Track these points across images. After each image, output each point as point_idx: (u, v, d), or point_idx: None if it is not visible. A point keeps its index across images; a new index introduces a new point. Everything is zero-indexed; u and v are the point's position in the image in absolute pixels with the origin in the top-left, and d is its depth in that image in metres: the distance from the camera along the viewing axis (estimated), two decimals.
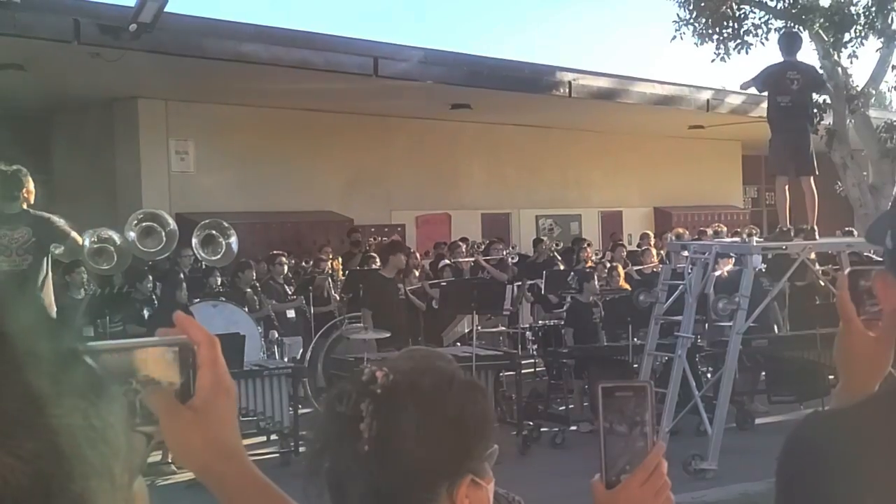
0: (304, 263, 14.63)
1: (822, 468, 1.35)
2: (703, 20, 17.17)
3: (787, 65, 10.36)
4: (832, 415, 1.45)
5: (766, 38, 17.08)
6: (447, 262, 14.85)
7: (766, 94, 10.64)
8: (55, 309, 8.54)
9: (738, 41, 17.15)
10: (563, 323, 12.31)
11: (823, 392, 9.27)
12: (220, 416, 1.12)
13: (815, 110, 12.42)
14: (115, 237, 11.28)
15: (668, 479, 1.44)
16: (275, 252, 13.29)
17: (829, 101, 16.47)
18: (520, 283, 13.83)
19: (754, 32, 17.23)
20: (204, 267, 12.68)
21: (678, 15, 17.32)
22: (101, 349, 1.09)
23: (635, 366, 10.67)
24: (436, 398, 1.47)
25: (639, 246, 17.01)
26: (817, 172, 10.37)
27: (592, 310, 11.69)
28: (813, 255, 9.87)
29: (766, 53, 16.61)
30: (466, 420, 1.48)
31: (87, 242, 10.69)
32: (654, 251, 15.35)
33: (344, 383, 1.49)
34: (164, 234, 11.71)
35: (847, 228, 15.33)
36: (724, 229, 17.00)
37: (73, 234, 8.46)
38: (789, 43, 10.75)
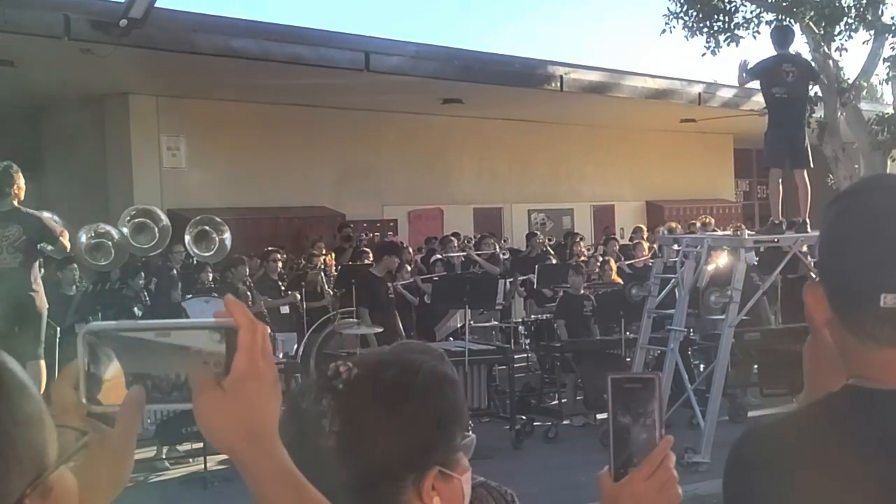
0: (301, 261, 14.59)
1: (763, 477, 1.36)
2: (694, 13, 17.18)
3: (782, 57, 10.37)
4: (771, 424, 1.45)
5: (758, 32, 17.09)
6: (439, 256, 14.84)
7: (758, 86, 10.65)
8: (46, 306, 8.54)
9: (729, 34, 17.16)
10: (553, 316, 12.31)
11: None
12: (247, 400, 1.14)
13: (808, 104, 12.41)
14: (113, 232, 11.26)
15: (676, 473, 1.42)
16: (269, 248, 13.27)
17: (820, 93, 16.49)
18: (512, 278, 13.84)
19: (745, 26, 17.24)
20: (195, 263, 12.65)
21: (668, 8, 17.32)
22: (153, 328, 1.14)
23: (628, 360, 10.68)
24: (397, 391, 1.47)
25: (631, 240, 17.02)
26: (812, 165, 10.39)
27: (584, 302, 11.68)
28: (805, 248, 9.88)
29: (757, 47, 16.63)
30: (430, 412, 1.47)
31: (83, 238, 10.67)
32: (646, 245, 15.35)
33: (308, 380, 1.49)
34: (157, 230, 11.69)
35: None
36: (713, 221, 17.01)
37: (63, 239, 8.44)
38: (781, 36, 10.76)
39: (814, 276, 10.93)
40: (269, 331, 1.17)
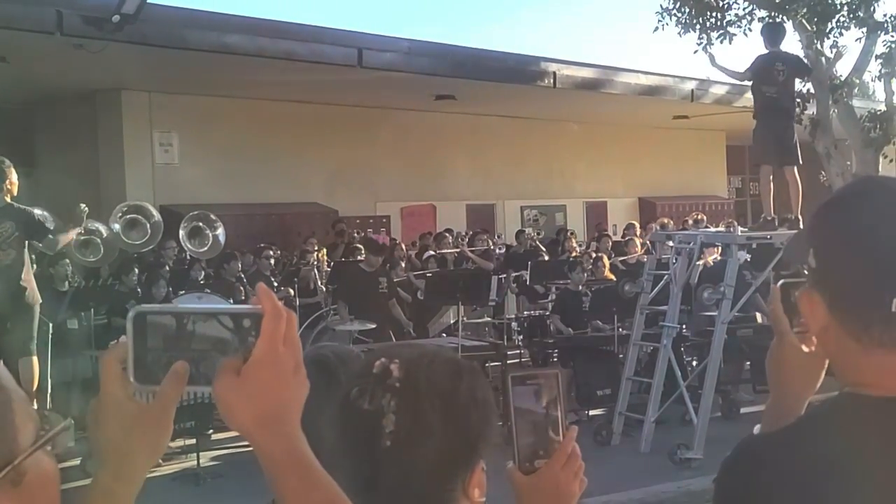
0: (294, 258, 14.56)
1: (764, 488, 1.35)
2: (686, 10, 17.18)
3: (774, 56, 10.43)
4: (762, 440, 1.44)
5: (750, 29, 17.10)
6: (432, 252, 14.83)
7: (751, 83, 10.69)
8: (39, 301, 8.52)
9: (721, 31, 17.16)
10: (548, 313, 12.30)
11: None
12: (260, 385, 1.17)
13: (799, 100, 12.44)
14: (102, 229, 11.25)
15: (583, 462, 1.51)
16: (262, 245, 13.25)
17: (812, 90, 16.50)
18: (504, 274, 13.84)
19: (738, 23, 17.25)
20: (188, 259, 12.63)
21: (661, 5, 17.32)
22: (186, 312, 1.19)
23: (621, 356, 10.69)
24: (451, 388, 1.47)
25: (623, 236, 17.03)
26: (801, 162, 10.42)
27: (582, 298, 11.68)
28: None
29: (750, 44, 16.65)
30: (479, 406, 1.48)
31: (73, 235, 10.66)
32: (638, 241, 15.36)
33: (358, 378, 1.47)
34: (148, 226, 11.68)
35: None
36: (705, 218, 17.02)
37: (63, 236, 8.42)
38: (773, 34, 10.80)
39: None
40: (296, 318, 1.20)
